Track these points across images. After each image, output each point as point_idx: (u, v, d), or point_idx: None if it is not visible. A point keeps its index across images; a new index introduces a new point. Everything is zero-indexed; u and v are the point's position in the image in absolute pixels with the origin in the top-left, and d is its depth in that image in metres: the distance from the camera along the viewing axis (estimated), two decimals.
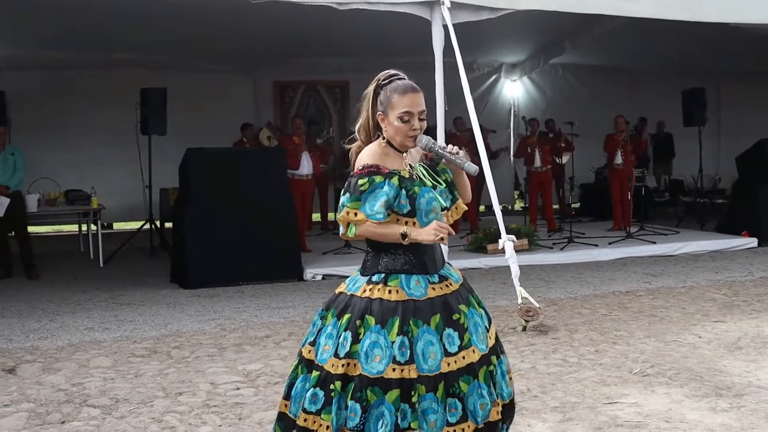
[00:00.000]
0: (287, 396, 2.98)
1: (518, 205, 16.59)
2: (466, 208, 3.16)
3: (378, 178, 2.88)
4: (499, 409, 2.97)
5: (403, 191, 2.89)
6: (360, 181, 2.88)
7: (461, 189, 3.11)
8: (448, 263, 3.12)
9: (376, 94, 2.98)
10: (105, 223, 12.63)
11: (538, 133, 12.84)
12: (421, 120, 2.94)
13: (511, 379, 3.15)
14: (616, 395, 4.84)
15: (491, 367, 2.99)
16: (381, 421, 2.78)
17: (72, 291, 8.68)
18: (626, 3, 8.62)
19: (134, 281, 9.20)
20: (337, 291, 3.03)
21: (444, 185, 3.00)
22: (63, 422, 4.54)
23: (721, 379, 5.11)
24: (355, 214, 2.88)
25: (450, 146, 2.98)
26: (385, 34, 10.81)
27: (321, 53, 13.50)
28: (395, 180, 2.89)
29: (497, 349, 3.09)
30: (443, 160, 2.98)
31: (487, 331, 3.06)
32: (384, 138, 2.99)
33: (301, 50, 13.06)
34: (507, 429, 3.10)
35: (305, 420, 2.87)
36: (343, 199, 2.92)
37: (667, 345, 6.00)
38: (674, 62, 14.81)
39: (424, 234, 2.85)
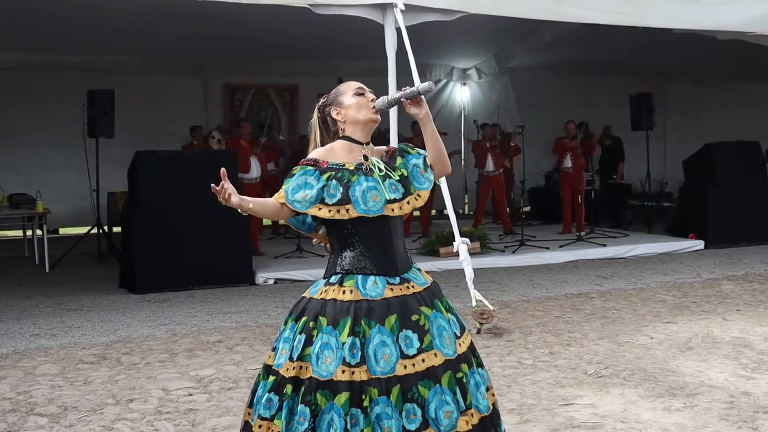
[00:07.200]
0: (251, 404, 2.90)
1: (467, 209, 16.65)
2: (422, 197, 2.99)
3: (309, 169, 2.92)
4: (472, 420, 2.82)
5: (335, 182, 2.87)
6: (294, 169, 2.96)
7: (438, 158, 3.04)
8: (417, 268, 3.01)
9: (321, 113, 3.07)
10: (51, 228, 12.35)
11: (490, 137, 12.88)
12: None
13: (493, 395, 2.99)
14: (571, 396, 4.86)
15: (459, 375, 2.84)
16: (331, 427, 2.67)
17: (16, 297, 8.45)
18: (576, 9, 8.71)
19: (82, 287, 9.00)
20: (301, 296, 2.97)
21: (397, 178, 2.96)
22: None
23: (674, 379, 5.17)
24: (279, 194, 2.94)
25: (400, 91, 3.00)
26: (335, 38, 10.76)
27: (271, 56, 13.43)
28: (326, 175, 2.89)
29: (470, 359, 2.94)
30: (403, 100, 2.95)
31: (457, 338, 2.92)
32: (342, 137, 3.00)
33: (251, 53, 12.97)
34: None
35: (260, 426, 2.80)
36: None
37: (620, 346, 6.05)
38: (622, 66, 15.00)
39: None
